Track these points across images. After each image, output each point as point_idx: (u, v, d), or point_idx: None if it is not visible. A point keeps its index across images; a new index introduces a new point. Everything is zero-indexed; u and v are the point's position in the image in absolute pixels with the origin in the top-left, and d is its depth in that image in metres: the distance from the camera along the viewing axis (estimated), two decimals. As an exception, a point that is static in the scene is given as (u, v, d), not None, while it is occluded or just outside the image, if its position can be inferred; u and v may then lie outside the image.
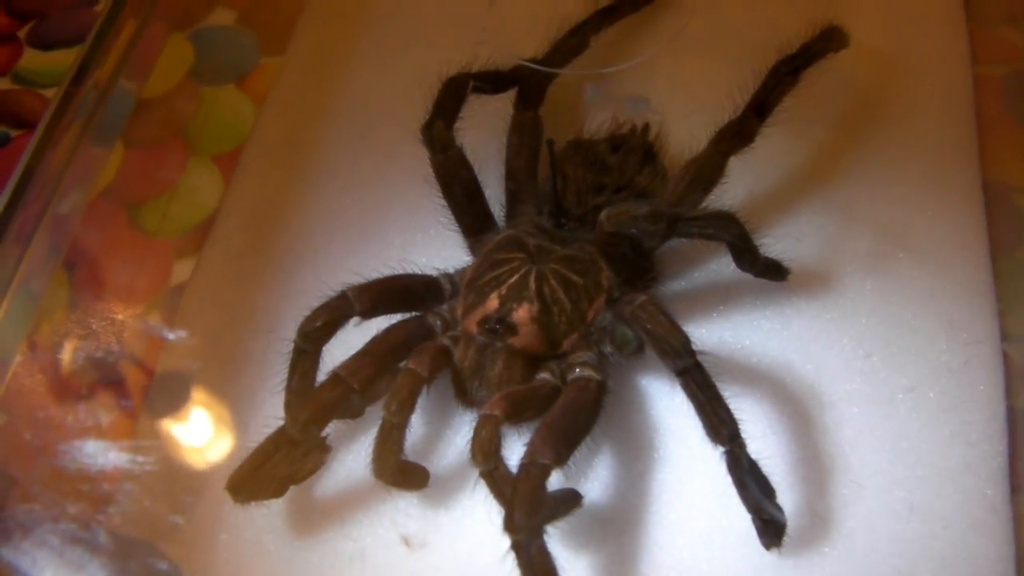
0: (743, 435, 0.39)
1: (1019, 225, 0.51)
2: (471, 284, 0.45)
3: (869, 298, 0.49)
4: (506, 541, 0.36)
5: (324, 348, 0.44)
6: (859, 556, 0.42)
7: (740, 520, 0.40)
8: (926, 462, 0.44)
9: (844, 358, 0.47)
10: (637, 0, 0.57)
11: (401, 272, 0.47)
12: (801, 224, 0.51)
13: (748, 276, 0.46)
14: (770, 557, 0.41)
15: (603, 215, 0.43)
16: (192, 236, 0.58)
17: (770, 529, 0.40)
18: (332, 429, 0.43)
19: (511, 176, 0.50)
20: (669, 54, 0.58)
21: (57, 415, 0.50)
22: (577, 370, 0.43)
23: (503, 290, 0.44)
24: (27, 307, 0.50)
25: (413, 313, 0.46)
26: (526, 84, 0.51)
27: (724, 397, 0.39)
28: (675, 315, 0.41)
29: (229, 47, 0.67)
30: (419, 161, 0.48)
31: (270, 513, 0.46)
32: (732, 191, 0.49)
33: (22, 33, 0.68)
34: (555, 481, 0.39)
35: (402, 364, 0.42)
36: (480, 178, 0.49)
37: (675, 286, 0.50)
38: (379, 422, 0.41)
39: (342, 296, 0.44)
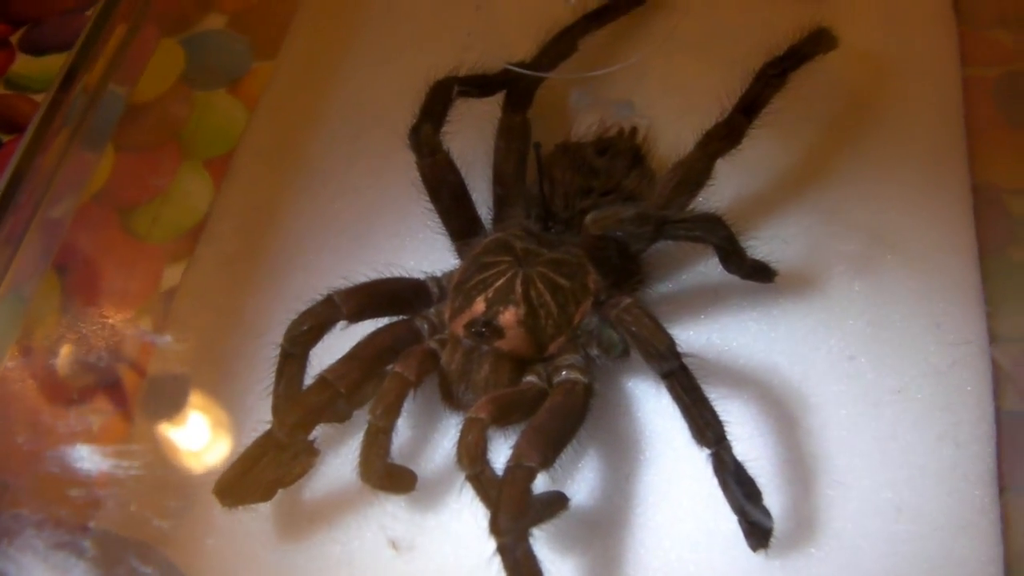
0: (729, 437, 0.39)
1: (1008, 226, 0.51)
2: (458, 287, 0.45)
3: (857, 300, 0.49)
4: (492, 544, 0.37)
5: (311, 352, 0.44)
6: (846, 558, 0.42)
7: (727, 522, 0.40)
8: (914, 463, 0.44)
9: (831, 360, 0.47)
10: (626, 4, 0.57)
11: (388, 276, 0.47)
12: (789, 226, 0.51)
13: (735, 278, 0.46)
14: (757, 559, 0.41)
15: (589, 218, 0.43)
16: (184, 240, 0.58)
17: (756, 531, 0.40)
18: (319, 433, 0.43)
19: (499, 179, 0.50)
20: (659, 56, 0.58)
21: (48, 419, 0.50)
22: (563, 373, 0.43)
23: (490, 293, 0.44)
24: (18, 311, 0.50)
25: (400, 317, 0.46)
26: (514, 88, 0.51)
27: (710, 399, 0.40)
28: (662, 317, 0.42)
29: (221, 51, 0.67)
30: (411, 165, 0.48)
31: (258, 517, 0.46)
32: (720, 193, 0.49)
33: (14, 38, 0.68)
34: (541, 484, 0.40)
35: (389, 368, 0.42)
36: (468, 181, 0.49)
37: (662, 288, 0.50)
38: (366, 426, 0.41)
39: (328, 300, 0.44)
